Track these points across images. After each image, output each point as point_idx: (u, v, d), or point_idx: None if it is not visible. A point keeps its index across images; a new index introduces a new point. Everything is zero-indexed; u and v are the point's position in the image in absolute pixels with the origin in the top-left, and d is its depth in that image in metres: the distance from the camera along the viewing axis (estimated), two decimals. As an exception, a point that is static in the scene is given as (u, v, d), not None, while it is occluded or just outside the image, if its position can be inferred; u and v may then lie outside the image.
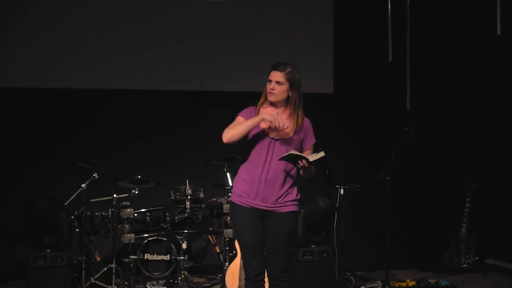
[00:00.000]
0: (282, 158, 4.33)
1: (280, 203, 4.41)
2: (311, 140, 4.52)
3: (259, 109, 4.45)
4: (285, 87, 4.40)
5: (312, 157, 4.32)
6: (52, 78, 7.11)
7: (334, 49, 7.60)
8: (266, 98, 4.46)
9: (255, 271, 4.41)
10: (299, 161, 4.31)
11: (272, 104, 4.45)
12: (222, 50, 7.37)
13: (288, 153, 4.32)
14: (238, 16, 7.43)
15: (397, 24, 7.31)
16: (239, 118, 4.44)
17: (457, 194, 7.56)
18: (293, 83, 4.40)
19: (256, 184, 4.37)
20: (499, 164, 7.74)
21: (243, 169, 4.45)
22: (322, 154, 4.33)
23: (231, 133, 4.36)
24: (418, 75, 7.62)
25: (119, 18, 7.22)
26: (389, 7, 7.22)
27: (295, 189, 4.47)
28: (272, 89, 4.40)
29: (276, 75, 4.39)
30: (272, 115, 4.31)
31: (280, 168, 4.38)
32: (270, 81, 4.40)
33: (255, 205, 4.39)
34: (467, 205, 7.42)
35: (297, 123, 4.43)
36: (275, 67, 4.41)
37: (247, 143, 4.42)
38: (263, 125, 4.37)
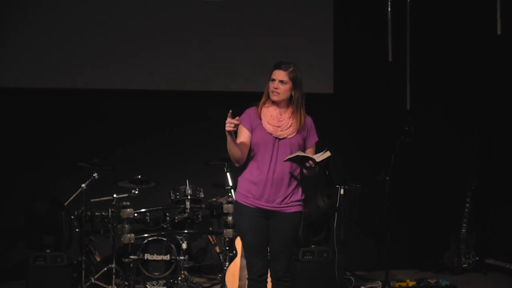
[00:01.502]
0: (289, 159, 4.33)
1: (286, 203, 4.41)
2: (313, 139, 4.53)
3: (261, 108, 4.44)
4: (288, 86, 4.40)
5: (319, 158, 4.31)
6: (52, 78, 7.11)
7: (334, 49, 7.60)
8: (267, 97, 4.46)
9: (259, 271, 4.41)
10: (306, 162, 4.31)
11: (274, 103, 4.45)
12: (222, 50, 7.37)
13: (295, 154, 4.32)
14: (238, 16, 7.43)
15: (397, 24, 7.30)
16: (239, 129, 4.42)
17: (457, 194, 7.56)
18: (296, 82, 4.41)
19: (263, 185, 4.37)
20: (499, 164, 7.74)
21: (248, 169, 4.43)
22: (328, 154, 4.32)
23: (232, 157, 4.39)
24: (418, 75, 7.62)
25: (119, 18, 7.22)
26: (389, 7, 7.22)
27: (300, 189, 4.48)
28: (275, 88, 4.40)
29: (280, 74, 4.39)
30: (227, 124, 4.24)
31: (286, 168, 4.39)
32: (274, 80, 4.40)
33: (261, 205, 4.38)
34: (467, 205, 7.42)
35: (300, 122, 4.43)
36: (278, 66, 4.41)
37: (251, 143, 4.41)
38: (267, 126, 4.37)
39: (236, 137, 4.36)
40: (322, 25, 7.59)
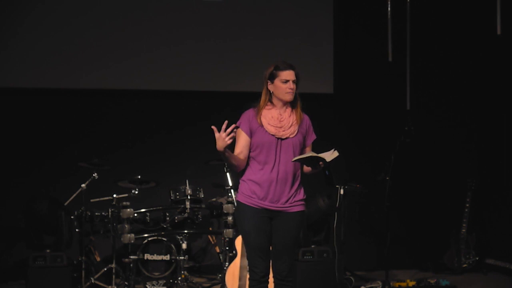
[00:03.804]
0: (298, 160, 4.33)
1: (290, 203, 4.42)
2: (312, 137, 4.54)
3: (261, 111, 4.43)
4: (296, 85, 4.43)
5: (329, 158, 4.31)
6: (53, 78, 7.11)
7: (334, 49, 7.61)
8: (268, 99, 4.44)
9: (262, 272, 4.41)
10: (316, 162, 4.32)
11: (273, 104, 4.45)
12: (222, 50, 7.37)
13: (308, 155, 4.32)
14: (239, 17, 7.43)
15: (397, 24, 7.31)
16: (238, 133, 4.40)
17: (457, 194, 7.55)
18: (298, 81, 4.44)
19: (267, 185, 4.37)
20: (499, 164, 7.74)
21: (251, 170, 4.42)
22: (336, 154, 4.32)
23: (232, 168, 4.43)
24: (418, 75, 7.62)
25: (119, 18, 7.23)
26: (389, 7, 7.23)
27: (302, 189, 4.50)
28: (291, 89, 4.40)
29: (292, 74, 4.40)
30: (219, 139, 4.23)
31: (289, 168, 4.39)
32: (287, 81, 4.39)
33: (265, 205, 4.38)
34: (467, 205, 7.42)
35: (299, 119, 4.44)
36: (290, 67, 4.42)
37: (253, 144, 4.41)
38: (269, 128, 4.37)
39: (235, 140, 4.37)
40: (322, 25, 7.59)
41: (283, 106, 4.45)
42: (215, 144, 4.25)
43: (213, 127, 4.22)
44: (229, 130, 4.20)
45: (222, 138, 4.20)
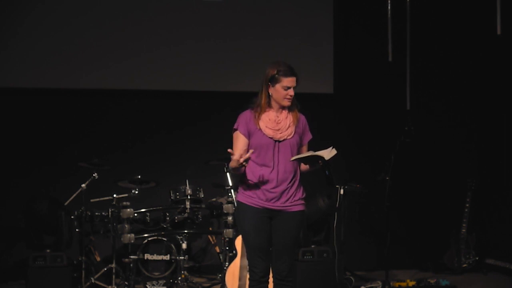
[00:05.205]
0: (297, 159, 4.34)
1: (290, 202, 4.43)
2: (308, 136, 4.56)
3: (260, 114, 4.43)
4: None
5: (327, 156, 4.32)
6: (53, 78, 7.11)
7: (334, 49, 7.60)
8: (268, 103, 4.44)
9: (261, 272, 4.42)
10: (315, 161, 4.32)
11: (270, 106, 4.45)
12: (222, 50, 7.37)
13: (307, 154, 4.33)
14: (239, 17, 7.43)
15: (397, 24, 7.31)
16: (236, 136, 4.42)
17: (457, 194, 7.55)
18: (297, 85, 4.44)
19: (267, 185, 4.38)
20: (499, 164, 7.74)
21: (251, 171, 4.42)
22: (334, 152, 4.34)
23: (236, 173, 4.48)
24: (418, 75, 7.62)
25: (119, 18, 7.23)
26: (389, 7, 7.23)
27: (301, 188, 4.51)
28: (291, 96, 4.40)
29: (294, 81, 4.40)
30: (234, 161, 4.27)
31: (289, 168, 4.40)
32: (288, 87, 4.38)
33: (266, 205, 4.39)
34: (467, 205, 7.42)
35: (296, 119, 4.45)
36: (293, 74, 4.39)
37: (251, 145, 4.41)
38: (267, 131, 4.38)
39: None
40: (322, 25, 7.59)
41: (280, 107, 4.46)
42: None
43: (230, 150, 4.26)
44: (246, 156, 4.21)
45: (238, 162, 4.21)
